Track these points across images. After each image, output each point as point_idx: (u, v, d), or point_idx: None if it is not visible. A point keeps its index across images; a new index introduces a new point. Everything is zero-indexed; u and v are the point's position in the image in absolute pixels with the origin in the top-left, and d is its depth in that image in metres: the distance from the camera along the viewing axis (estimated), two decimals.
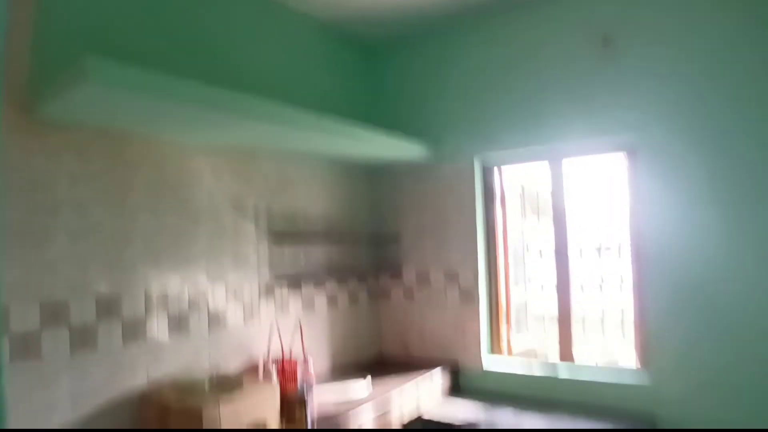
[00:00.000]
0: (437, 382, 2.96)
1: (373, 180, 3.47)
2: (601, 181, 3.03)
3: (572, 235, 2.96)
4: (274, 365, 2.32)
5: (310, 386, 2.14)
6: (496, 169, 3.22)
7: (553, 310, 3.01)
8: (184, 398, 1.91)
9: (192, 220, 2.31)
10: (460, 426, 2.59)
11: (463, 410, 2.76)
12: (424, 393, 2.82)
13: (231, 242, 2.47)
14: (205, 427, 1.77)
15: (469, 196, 3.14)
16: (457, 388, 3.10)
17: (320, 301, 2.99)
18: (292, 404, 2.07)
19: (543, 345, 3.18)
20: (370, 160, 3.17)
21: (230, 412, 1.86)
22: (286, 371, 2.31)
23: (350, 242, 3.20)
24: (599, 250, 3.02)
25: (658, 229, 2.59)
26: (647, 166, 2.61)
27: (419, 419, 2.72)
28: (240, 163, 2.56)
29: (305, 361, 2.32)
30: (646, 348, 2.67)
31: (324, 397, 2.42)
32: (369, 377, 2.71)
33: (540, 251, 3.22)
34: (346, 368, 3.05)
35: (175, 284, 2.22)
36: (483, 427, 2.57)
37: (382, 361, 3.27)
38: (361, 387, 2.59)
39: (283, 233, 2.73)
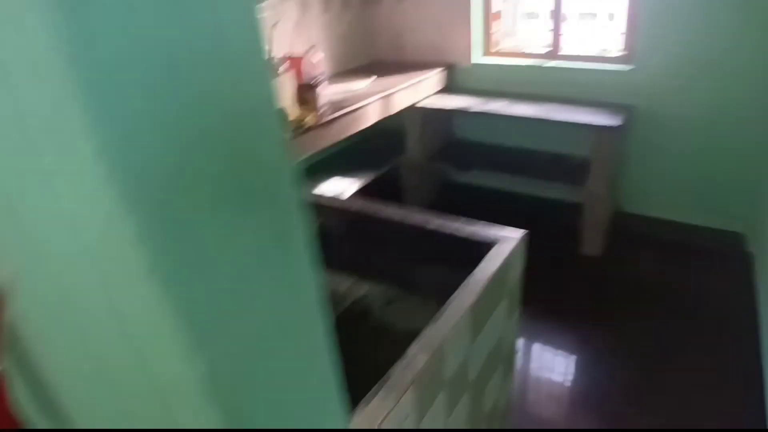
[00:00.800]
0: (433, 80, 3.12)
1: None
2: None
3: None
4: (280, 60, 2.42)
5: (317, 74, 2.28)
6: None
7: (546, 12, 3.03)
8: None
9: None
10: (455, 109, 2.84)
11: (458, 101, 2.99)
12: (421, 89, 3.00)
13: None
14: None
15: None
16: (452, 86, 3.28)
17: (315, 4, 2.95)
18: (303, 90, 2.24)
19: (533, 44, 3.27)
20: None
21: None
22: (293, 64, 2.43)
23: None
24: None
25: None
26: None
27: (413, 106, 2.96)
28: None
29: (310, 53, 2.42)
30: (633, 38, 2.78)
31: (331, 91, 2.60)
32: (374, 76, 2.86)
33: None
34: (345, 74, 3.17)
35: None
36: (474, 110, 2.84)
37: (379, 66, 3.38)
38: (364, 82, 2.76)
39: None
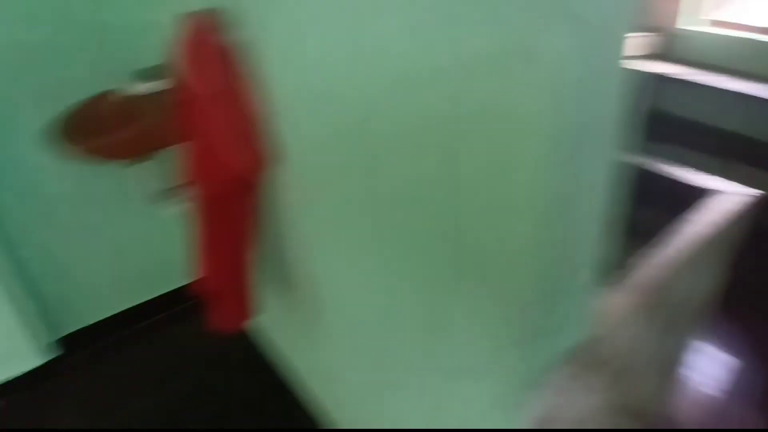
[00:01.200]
0: (637, 41, 2.99)
1: None
2: None
3: None
4: None
5: None
6: None
7: None
8: None
9: None
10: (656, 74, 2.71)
11: (659, 68, 2.85)
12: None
13: None
14: None
15: None
16: (661, 53, 3.10)
17: None
18: None
19: (760, 16, 2.97)
20: None
21: None
22: None
23: None
24: None
25: None
26: None
27: None
28: None
29: None
30: None
31: None
32: None
33: None
34: None
35: None
36: (672, 76, 2.68)
37: None
38: None
39: None
